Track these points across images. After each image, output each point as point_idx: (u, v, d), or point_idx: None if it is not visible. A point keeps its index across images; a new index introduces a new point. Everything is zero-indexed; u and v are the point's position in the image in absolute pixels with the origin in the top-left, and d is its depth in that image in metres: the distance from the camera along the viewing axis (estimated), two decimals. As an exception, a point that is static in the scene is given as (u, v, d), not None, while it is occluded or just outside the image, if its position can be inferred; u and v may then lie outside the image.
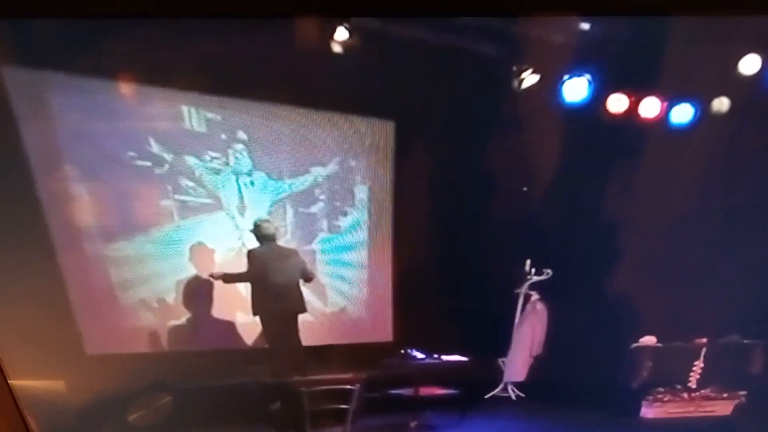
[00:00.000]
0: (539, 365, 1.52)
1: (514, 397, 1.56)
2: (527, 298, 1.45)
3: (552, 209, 1.35)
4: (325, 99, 1.22)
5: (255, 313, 1.47)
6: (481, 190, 1.33)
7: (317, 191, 1.33)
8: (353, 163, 1.30)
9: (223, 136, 1.25)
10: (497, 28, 1.16)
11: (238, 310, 1.49)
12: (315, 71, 1.18)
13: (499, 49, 1.18)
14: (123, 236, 1.35)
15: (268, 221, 1.38)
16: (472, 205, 1.34)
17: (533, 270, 1.41)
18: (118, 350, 1.50)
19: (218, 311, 1.49)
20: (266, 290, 1.46)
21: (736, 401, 1.54)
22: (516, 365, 1.55)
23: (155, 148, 1.24)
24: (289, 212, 1.36)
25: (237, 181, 1.31)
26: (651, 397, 1.59)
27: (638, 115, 1.20)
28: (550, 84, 1.21)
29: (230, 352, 1.55)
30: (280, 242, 1.41)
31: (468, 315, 1.48)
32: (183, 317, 1.48)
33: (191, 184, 1.29)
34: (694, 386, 1.58)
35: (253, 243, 1.39)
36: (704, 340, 1.52)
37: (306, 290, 1.48)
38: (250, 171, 1.29)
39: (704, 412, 1.61)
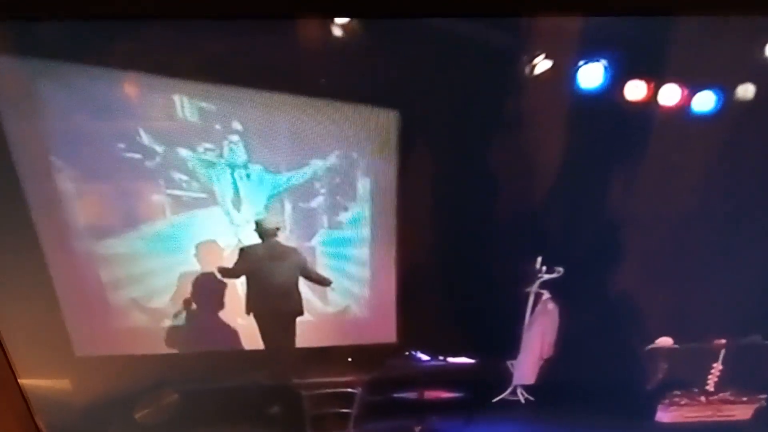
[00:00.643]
0: (550, 368, 1.47)
1: (523, 400, 1.51)
2: (538, 297, 1.39)
3: (564, 203, 1.29)
4: (325, 87, 1.16)
5: (248, 312, 1.42)
6: (490, 183, 1.26)
7: (317, 185, 1.26)
8: (355, 155, 1.23)
9: (218, 127, 1.18)
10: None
11: (236, 310, 1.43)
12: (314, 57, 1.12)
13: (509, 34, 1.11)
14: (113, 233, 1.29)
15: (271, 217, 1.31)
16: (480, 199, 1.28)
17: (544, 268, 1.34)
18: (108, 352, 1.45)
19: (216, 312, 1.43)
20: (263, 289, 1.40)
21: (757, 405, 1.48)
22: (525, 368, 1.49)
23: (146, 139, 1.18)
24: (288, 207, 1.29)
25: (232, 174, 1.24)
26: (667, 401, 1.54)
27: (657, 104, 1.14)
28: (564, 70, 1.14)
29: (227, 354, 1.49)
30: (280, 239, 1.33)
31: (475, 315, 1.42)
32: (177, 318, 1.41)
33: (184, 177, 1.23)
34: (712, 389, 1.52)
35: (250, 239, 1.31)
36: (723, 340, 1.46)
37: (306, 289, 1.41)
38: (246, 163, 1.23)
39: (723, 416, 1.55)
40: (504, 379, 1.50)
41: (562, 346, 1.45)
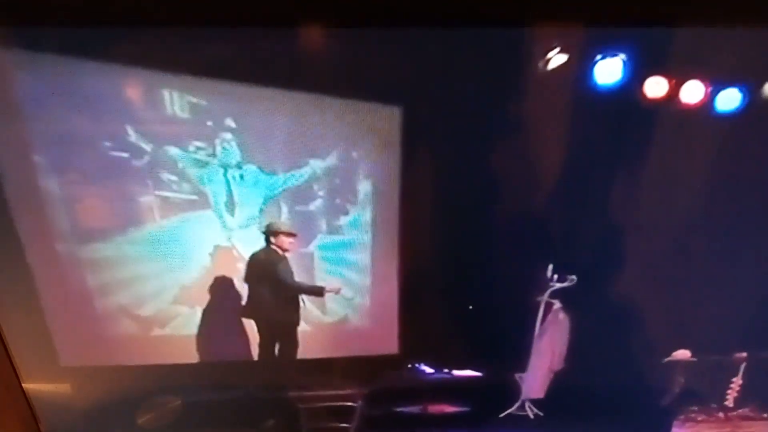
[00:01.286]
0: (560, 381, 1.42)
1: (531, 415, 1.46)
2: (548, 307, 1.32)
3: (578, 207, 1.23)
4: (325, 82, 1.09)
5: (245, 316, 1.35)
6: (498, 185, 1.19)
7: (315, 187, 1.19)
8: (355, 155, 1.16)
9: (209, 124, 1.12)
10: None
11: (235, 320, 1.36)
12: (313, 51, 1.04)
13: (520, 25, 1.03)
14: (99, 236, 1.22)
15: (282, 222, 1.25)
16: (487, 202, 1.22)
17: (556, 276, 1.29)
18: (96, 362, 1.37)
19: (213, 320, 1.35)
20: (262, 296, 1.33)
21: (779, 422, 1.38)
22: (535, 381, 1.43)
23: (133, 137, 1.12)
24: (284, 210, 1.22)
25: (225, 174, 1.17)
26: (683, 417, 1.47)
27: (679, 101, 1.09)
28: (580, 65, 1.08)
29: (222, 365, 1.42)
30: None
31: (482, 325, 1.35)
32: (169, 326, 1.32)
33: (174, 178, 1.16)
34: (731, 405, 1.45)
35: (244, 244, 1.24)
36: (744, 354, 1.39)
37: (304, 297, 1.33)
38: (240, 163, 1.16)
39: None
40: (512, 392, 1.44)
41: (573, 359, 1.39)
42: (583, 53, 1.06)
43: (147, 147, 1.13)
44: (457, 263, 1.28)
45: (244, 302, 1.33)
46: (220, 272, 1.28)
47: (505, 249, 1.27)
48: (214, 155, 1.15)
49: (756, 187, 1.20)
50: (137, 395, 1.41)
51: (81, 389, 1.38)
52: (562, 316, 1.33)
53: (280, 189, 1.20)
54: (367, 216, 1.24)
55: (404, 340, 1.37)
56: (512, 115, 1.13)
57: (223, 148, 1.15)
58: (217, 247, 1.26)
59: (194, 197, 1.19)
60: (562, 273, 1.28)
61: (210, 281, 1.29)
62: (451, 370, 1.43)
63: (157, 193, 1.18)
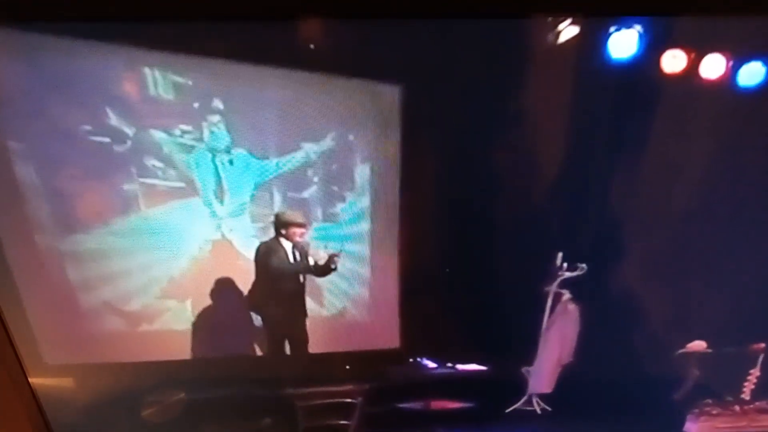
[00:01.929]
0: (569, 375, 1.36)
1: (539, 411, 1.41)
2: (557, 297, 1.26)
3: (589, 191, 1.15)
4: (319, 60, 1.01)
5: (252, 310, 1.29)
6: (504, 169, 1.13)
7: (310, 172, 1.12)
8: (352, 138, 1.09)
9: (196, 105, 1.04)
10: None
11: (229, 313, 1.30)
12: (307, 24, 0.97)
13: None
14: (80, 227, 1.15)
15: (293, 211, 1.18)
16: (493, 187, 1.15)
17: (565, 265, 1.21)
18: (82, 360, 1.30)
19: (205, 314, 1.29)
20: (271, 287, 1.27)
21: (797, 415, 1.33)
22: (542, 375, 1.37)
23: (114, 120, 1.04)
24: (277, 198, 1.15)
25: (213, 160, 1.10)
26: (697, 411, 1.41)
27: (698, 76, 1.02)
28: (593, 38, 1.00)
29: (215, 361, 1.36)
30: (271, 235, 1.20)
31: (487, 317, 1.30)
32: (158, 321, 1.25)
33: (159, 164, 1.09)
34: (747, 398, 1.40)
35: (235, 234, 1.17)
36: (762, 345, 1.33)
37: (299, 290, 1.26)
38: (229, 148, 1.09)
39: (759, 427, 1.43)
40: (518, 387, 1.39)
41: (583, 352, 1.33)
42: (596, 25, 0.98)
43: (129, 131, 1.06)
44: (461, 252, 1.22)
45: (246, 294, 1.27)
46: (210, 263, 1.21)
47: (512, 237, 1.21)
48: (201, 139, 1.08)
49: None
50: (128, 392, 1.35)
51: (65, 386, 1.32)
52: (571, 307, 1.26)
53: (272, 175, 1.13)
54: (365, 203, 1.17)
55: (406, 334, 1.31)
56: (519, 94, 1.06)
57: (211, 132, 1.07)
58: (206, 237, 1.18)
59: (181, 184, 1.12)
60: (571, 262, 1.21)
61: (200, 273, 1.22)
62: (454, 364, 1.37)
63: (141, 180, 1.11)
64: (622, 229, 1.18)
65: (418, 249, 1.21)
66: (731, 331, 1.32)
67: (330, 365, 1.37)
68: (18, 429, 1.28)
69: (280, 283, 1.27)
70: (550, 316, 1.28)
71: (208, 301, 1.27)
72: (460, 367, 1.37)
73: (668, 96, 1.05)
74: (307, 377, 1.37)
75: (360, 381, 1.38)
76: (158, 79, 1.03)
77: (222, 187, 1.14)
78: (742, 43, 1.01)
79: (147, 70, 1.01)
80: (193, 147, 1.09)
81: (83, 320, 1.26)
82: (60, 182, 1.11)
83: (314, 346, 1.34)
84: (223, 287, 1.26)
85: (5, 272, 1.16)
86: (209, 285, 1.25)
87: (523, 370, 1.37)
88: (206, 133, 1.08)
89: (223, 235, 1.19)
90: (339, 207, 1.17)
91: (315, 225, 1.20)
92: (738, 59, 1.02)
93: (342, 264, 1.24)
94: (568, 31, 1.00)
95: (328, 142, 1.10)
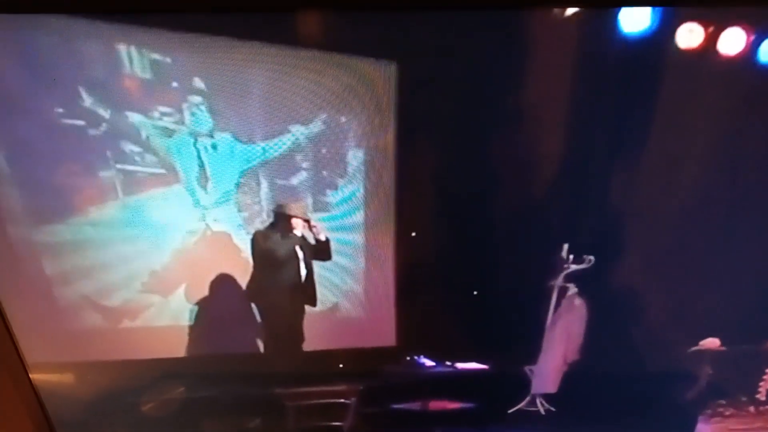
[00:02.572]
0: (574, 374, 1.30)
1: (543, 411, 1.35)
2: (563, 291, 1.20)
3: (598, 179, 1.09)
4: (308, 35, 0.93)
5: (252, 301, 1.23)
6: (507, 154, 1.06)
7: (299, 158, 1.05)
8: (344, 121, 1.01)
9: (175, 85, 0.97)
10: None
11: (218, 309, 1.23)
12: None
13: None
14: (55, 217, 1.09)
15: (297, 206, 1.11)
16: (494, 175, 1.09)
17: (571, 257, 1.15)
18: (60, 358, 1.24)
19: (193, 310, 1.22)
20: (272, 278, 1.21)
21: (816, 416, 1.27)
22: (546, 374, 1.31)
23: (87, 101, 0.97)
24: (264, 185, 1.08)
25: (195, 144, 1.02)
26: (709, 411, 1.35)
27: (716, 52, 0.95)
28: (602, 12, 0.92)
29: (203, 359, 1.29)
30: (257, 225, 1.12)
31: (489, 314, 1.23)
32: (141, 317, 1.19)
33: (137, 149, 1.02)
34: (763, 398, 1.33)
35: (222, 224, 1.09)
36: (779, 342, 1.24)
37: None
38: (212, 131, 1.02)
39: None
40: (521, 387, 1.33)
41: (589, 349, 1.27)
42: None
43: (104, 113, 1.00)
44: (461, 244, 1.16)
45: (236, 286, 1.21)
46: (194, 255, 1.13)
47: (515, 227, 1.15)
48: (182, 122, 1.01)
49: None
50: (112, 389, 1.29)
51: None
52: (577, 302, 1.20)
53: (259, 160, 1.05)
54: (358, 191, 1.09)
55: (402, 330, 1.26)
56: (524, 72, 0.99)
57: (192, 114, 1.00)
58: (189, 227, 1.11)
59: (161, 171, 1.06)
60: (578, 254, 1.15)
61: (184, 266, 1.15)
62: (454, 362, 1.32)
63: (118, 166, 1.04)
64: (632, 219, 1.12)
65: (415, 240, 1.15)
66: (747, 328, 1.26)
67: (322, 363, 1.31)
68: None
69: (277, 273, 1.20)
70: (554, 312, 1.23)
71: (193, 296, 1.20)
72: (459, 365, 1.32)
73: (683, 73, 0.98)
74: (298, 376, 1.32)
75: (354, 380, 1.32)
76: (134, 56, 0.96)
77: (205, 174, 1.07)
78: (764, 15, 0.93)
79: (122, 47, 0.94)
80: (173, 131, 1.02)
81: (61, 316, 1.20)
82: (32, 169, 1.05)
83: (306, 344, 1.27)
84: (209, 281, 1.18)
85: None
86: (194, 279, 1.18)
87: (526, 369, 1.31)
88: (187, 116, 1.01)
89: (207, 226, 1.12)
90: (331, 195, 1.10)
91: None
92: (759, 33, 0.94)
93: (335, 256, 1.17)
94: (571, 16, 0.92)
95: (318, 125, 1.03)
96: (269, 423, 1.33)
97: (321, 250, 1.17)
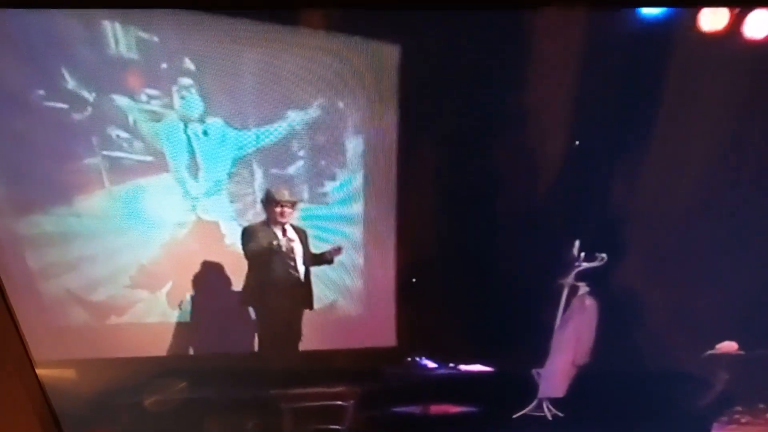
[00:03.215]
0: (583, 377, 1.25)
1: (550, 416, 1.30)
2: (573, 291, 1.15)
3: (611, 169, 1.03)
4: (305, 13, 0.87)
5: (246, 304, 1.17)
6: (516, 146, 1.00)
7: (295, 145, 0.99)
8: (343, 106, 0.95)
9: (164, 66, 0.90)
10: None
11: (210, 305, 1.18)
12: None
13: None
14: (37, 207, 1.04)
15: (285, 188, 1.05)
16: (502, 167, 1.03)
17: (583, 254, 1.10)
18: (44, 356, 1.18)
19: (183, 306, 1.17)
20: (266, 277, 1.15)
21: (837, 424, 1.22)
22: (554, 377, 1.26)
23: (71, 83, 0.91)
24: (258, 174, 1.02)
25: (185, 130, 0.97)
26: (725, 418, 1.29)
27: (741, 36, 0.89)
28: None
29: (194, 358, 1.24)
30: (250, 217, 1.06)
31: (495, 313, 1.18)
32: (128, 314, 1.14)
33: (124, 135, 0.97)
34: (782, 405, 1.25)
35: (213, 215, 1.03)
36: (800, 346, 1.19)
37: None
38: (203, 116, 0.96)
39: None
40: (528, 390, 1.28)
41: (599, 352, 1.21)
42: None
43: (89, 96, 0.94)
44: (466, 239, 1.10)
45: (246, 284, 1.15)
46: (184, 248, 1.08)
47: (523, 223, 1.09)
48: (170, 106, 0.96)
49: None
50: (109, 386, 1.25)
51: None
52: (588, 302, 1.14)
53: (252, 148, 0.99)
54: (357, 181, 1.04)
55: (403, 330, 1.20)
56: (533, 53, 0.94)
57: (182, 97, 0.95)
58: (179, 219, 1.05)
59: (149, 158, 1.00)
60: (590, 251, 1.09)
61: (174, 259, 1.09)
62: (457, 364, 1.26)
63: (104, 153, 0.99)
64: (647, 215, 1.06)
65: (417, 235, 1.10)
66: (765, 332, 1.18)
67: (319, 364, 1.25)
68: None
69: (269, 272, 1.14)
70: (564, 313, 1.17)
71: (183, 292, 1.14)
72: (463, 367, 1.27)
73: (705, 59, 0.92)
74: (294, 377, 1.26)
75: (352, 382, 1.27)
76: (120, 34, 0.90)
77: (196, 162, 1.01)
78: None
79: (107, 24, 0.88)
80: (161, 115, 0.97)
81: (44, 312, 1.13)
82: (11, 156, 0.99)
83: (302, 343, 1.22)
84: (200, 275, 1.13)
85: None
86: (184, 273, 1.12)
87: (534, 372, 1.26)
88: (176, 99, 0.96)
89: (198, 217, 1.06)
90: (328, 186, 1.04)
91: (302, 206, 1.06)
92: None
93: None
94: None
95: (315, 111, 0.97)
96: (264, 425, 1.28)
97: (326, 261, 1.13)
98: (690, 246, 1.09)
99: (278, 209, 1.07)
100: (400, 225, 1.08)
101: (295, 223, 1.11)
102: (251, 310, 1.20)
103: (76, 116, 0.96)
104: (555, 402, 1.28)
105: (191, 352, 1.23)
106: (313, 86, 0.95)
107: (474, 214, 1.07)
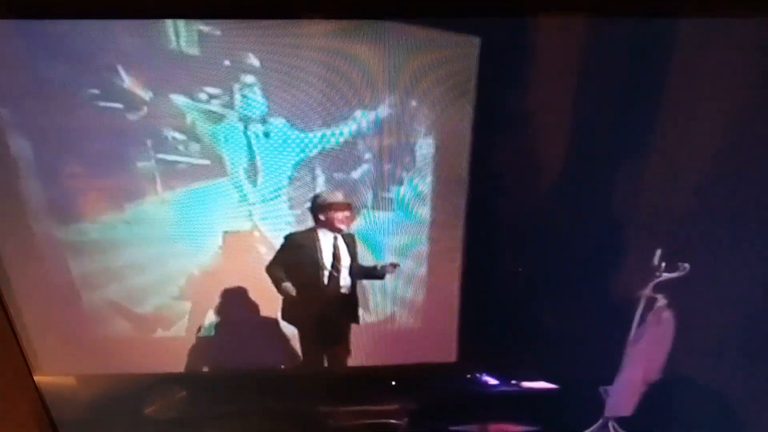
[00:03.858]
0: (654, 396, 1.17)
1: None
2: (650, 303, 1.07)
3: (696, 172, 0.96)
4: (379, 3, 0.81)
5: (285, 319, 1.11)
6: (595, 148, 0.94)
7: (361, 147, 0.93)
8: (415, 105, 0.88)
9: (226, 63, 0.84)
10: None
11: (258, 319, 1.11)
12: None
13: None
14: (84, 214, 0.99)
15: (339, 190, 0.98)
16: (580, 170, 0.97)
17: (664, 264, 1.02)
18: (82, 370, 1.15)
19: (230, 320, 1.11)
20: (308, 290, 1.09)
21: None
22: (622, 395, 1.18)
23: (127, 82, 0.85)
24: (320, 179, 0.95)
25: (245, 132, 0.90)
26: None
27: None
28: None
29: (237, 375, 1.18)
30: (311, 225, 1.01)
31: (564, 327, 1.12)
32: (173, 327, 1.09)
33: (180, 136, 0.92)
34: None
35: (273, 223, 0.97)
36: None
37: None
38: (265, 117, 0.89)
39: None
40: (593, 409, 1.20)
41: (673, 369, 1.14)
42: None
43: (145, 95, 0.88)
44: (537, 248, 1.03)
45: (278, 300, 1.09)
46: (237, 258, 1.01)
47: (600, 230, 1.02)
48: (231, 106, 0.89)
49: None
50: (136, 403, 1.19)
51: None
52: (666, 315, 1.07)
53: (316, 150, 0.93)
54: (425, 186, 0.97)
55: (464, 345, 1.14)
56: (618, 58, 0.86)
57: (244, 96, 0.88)
58: (234, 226, 1.00)
59: (206, 161, 0.95)
60: (672, 260, 1.01)
61: (225, 269, 1.03)
62: (519, 381, 1.19)
63: (158, 156, 0.93)
64: (735, 221, 0.98)
65: (486, 244, 1.02)
66: None
67: (371, 381, 1.19)
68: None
69: (312, 283, 1.07)
70: (639, 327, 1.09)
71: (234, 304, 1.08)
72: (525, 384, 1.19)
73: None
74: (343, 394, 1.20)
75: (406, 400, 1.20)
76: (180, 29, 0.84)
77: (255, 166, 0.95)
78: None
79: (168, 20, 0.82)
80: (221, 115, 0.91)
81: (86, 324, 1.08)
82: (61, 159, 0.94)
83: (354, 359, 1.15)
84: (253, 287, 1.06)
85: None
86: (236, 284, 1.05)
87: (601, 389, 1.18)
88: (238, 98, 0.89)
89: (254, 225, 1.00)
90: (394, 190, 0.97)
91: (363, 212, 0.99)
92: None
93: (393, 259, 1.04)
94: None
95: (385, 109, 0.90)
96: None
97: (377, 276, 1.06)
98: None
99: (332, 214, 1.00)
100: (469, 233, 1.01)
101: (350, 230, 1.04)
102: (292, 324, 1.13)
103: (131, 116, 0.90)
104: (621, 421, 1.20)
105: (232, 366, 1.16)
106: (386, 83, 0.88)
107: (548, 221, 1.00)
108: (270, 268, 1.04)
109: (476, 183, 0.96)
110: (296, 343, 1.15)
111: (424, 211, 1.00)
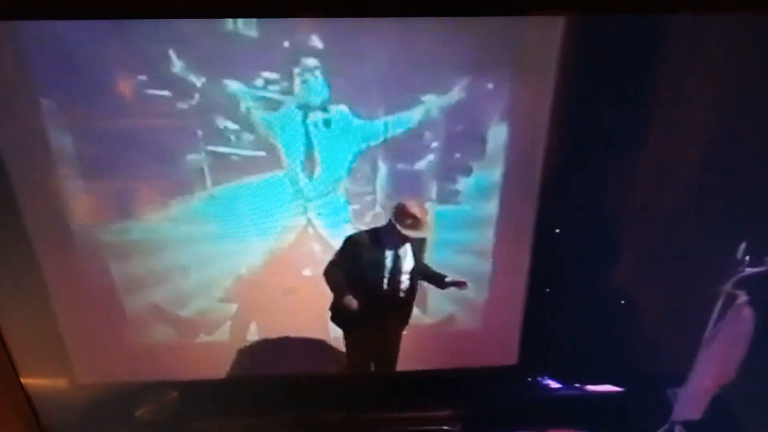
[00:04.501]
0: (725, 398, 1.11)
1: None
2: (730, 299, 1.01)
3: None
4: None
5: (334, 321, 1.05)
6: (675, 141, 0.89)
7: (427, 136, 0.86)
8: (491, 88, 0.81)
9: (286, 45, 0.78)
10: None
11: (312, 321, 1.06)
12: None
13: None
14: (128, 212, 0.93)
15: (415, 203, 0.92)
16: (659, 162, 0.91)
17: (748, 258, 0.96)
18: (122, 377, 1.09)
19: (281, 323, 1.05)
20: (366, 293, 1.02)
21: None
22: (693, 397, 1.12)
23: (177, 66, 0.79)
24: (382, 171, 0.89)
25: (304, 120, 0.83)
26: None
27: None
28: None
29: (285, 380, 1.12)
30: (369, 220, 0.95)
31: (635, 326, 1.06)
32: (218, 331, 1.05)
33: (233, 126, 0.86)
34: None
35: (327, 219, 0.91)
36: None
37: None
38: (326, 104, 0.82)
39: None
40: (659, 412, 1.15)
41: (749, 370, 1.07)
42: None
43: (197, 81, 0.81)
44: (612, 244, 0.97)
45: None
46: (290, 257, 0.95)
47: (681, 224, 0.96)
48: (290, 92, 0.83)
49: None
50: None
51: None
52: (746, 312, 1.02)
53: (379, 140, 0.86)
54: (495, 177, 0.90)
55: (527, 347, 1.09)
56: (712, 56, 0.81)
57: (304, 82, 0.82)
58: (287, 223, 0.93)
59: (260, 153, 0.89)
60: (757, 255, 0.95)
61: (276, 269, 0.97)
62: (584, 384, 1.14)
63: (209, 148, 0.86)
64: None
65: (557, 239, 0.96)
66: None
67: (424, 385, 1.13)
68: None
69: (375, 287, 1.00)
70: (716, 324, 1.02)
71: (281, 306, 1.01)
72: (590, 388, 1.14)
73: None
74: (398, 399, 1.14)
75: (462, 405, 1.14)
76: (239, 9, 0.77)
77: (313, 157, 0.88)
78: None
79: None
80: (279, 103, 0.85)
81: (127, 329, 1.02)
82: (105, 153, 0.87)
83: (406, 362, 1.09)
84: (303, 287, 1.00)
85: (34, 270, 0.94)
86: (287, 285, 0.98)
87: (669, 391, 1.13)
88: (298, 84, 0.83)
89: (309, 221, 0.93)
90: (461, 182, 0.91)
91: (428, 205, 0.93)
92: None
93: (455, 257, 0.98)
94: None
95: (456, 94, 0.83)
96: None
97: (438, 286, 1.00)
98: None
99: (409, 221, 0.93)
100: (539, 227, 0.95)
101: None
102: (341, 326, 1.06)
103: (180, 105, 0.84)
104: (689, 425, 1.14)
105: (274, 372, 1.10)
106: (458, 66, 0.82)
107: (624, 215, 0.94)
108: (328, 273, 0.97)
109: (550, 174, 0.90)
110: (343, 347, 1.08)
111: (492, 205, 0.93)
